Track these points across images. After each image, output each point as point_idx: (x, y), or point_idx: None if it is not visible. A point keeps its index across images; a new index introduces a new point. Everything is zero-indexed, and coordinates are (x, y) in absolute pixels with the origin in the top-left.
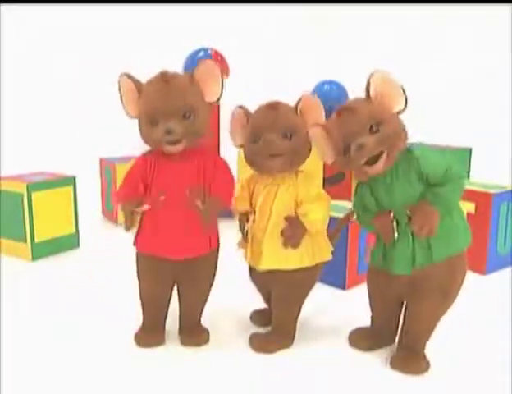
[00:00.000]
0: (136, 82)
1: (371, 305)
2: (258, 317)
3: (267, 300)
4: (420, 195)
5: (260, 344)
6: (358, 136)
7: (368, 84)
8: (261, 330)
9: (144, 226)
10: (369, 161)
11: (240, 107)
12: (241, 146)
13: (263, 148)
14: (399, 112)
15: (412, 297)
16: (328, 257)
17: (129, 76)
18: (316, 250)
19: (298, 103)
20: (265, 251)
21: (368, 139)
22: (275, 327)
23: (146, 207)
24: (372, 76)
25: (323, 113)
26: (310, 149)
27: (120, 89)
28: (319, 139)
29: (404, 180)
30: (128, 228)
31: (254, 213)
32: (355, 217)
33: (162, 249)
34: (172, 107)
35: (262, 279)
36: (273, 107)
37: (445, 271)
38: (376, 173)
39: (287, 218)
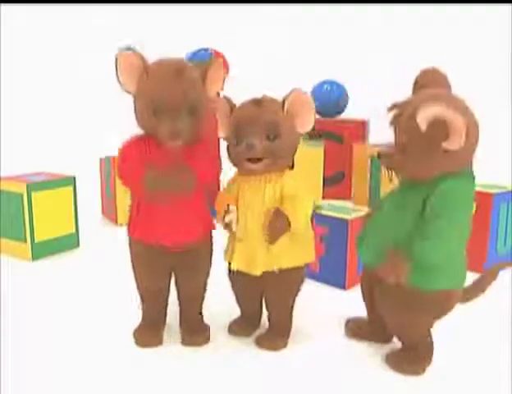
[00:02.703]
0: (144, 61)
1: (364, 302)
2: (237, 328)
3: (251, 305)
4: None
5: (269, 343)
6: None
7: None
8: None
9: (138, 214)
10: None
11: (224, 97)
12: (225, 139)
13: (245, 151)
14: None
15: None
16: (313, 257)
17: (134, 52)
18: (304, 249)
19: (285, 98)
20: (260, 254)
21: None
22: (274, 325)
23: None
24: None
25: (313, 112)
26: (295, 150)
27: (120, 64)
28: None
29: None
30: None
31: (237, 208)
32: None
33: (157, 236)
34: (183, 103)
35: (254, 282)
36: (257, 103)
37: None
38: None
39: (274, 211)
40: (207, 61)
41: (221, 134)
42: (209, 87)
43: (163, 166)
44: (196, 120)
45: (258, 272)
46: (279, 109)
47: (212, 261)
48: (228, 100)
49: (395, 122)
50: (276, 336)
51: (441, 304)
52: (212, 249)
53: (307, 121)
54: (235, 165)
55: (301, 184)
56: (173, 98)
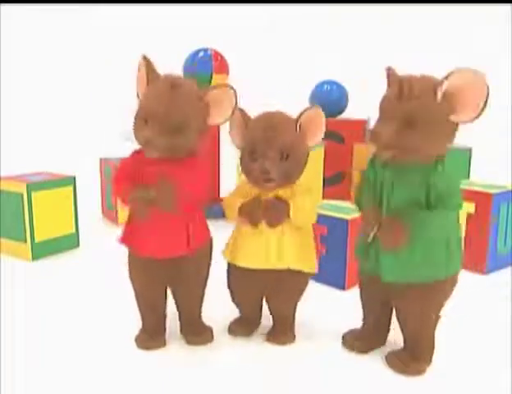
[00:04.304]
0: (150, 70)
1: (362, 307)
2: (237, 328)
3: (252, 306)
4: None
5: (284, 338)
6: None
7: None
8: (254, 335)
9: (130, 226)
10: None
11: (239, 110)
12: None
13: (259, 171)
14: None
15: (396, 300)
16: (315, 268)
17: (147, 63)
18: (310, 257)
19: (300, 116)
20: (273, 248)
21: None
22: (281, 324)
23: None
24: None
25: (324, 127)
26: (305, 166)
27: (139, 70)
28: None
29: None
30: (144, 214)
31: None
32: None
33: (148, 248)
34: (172, 121)
35: (258, 282)
36: (272, 128)
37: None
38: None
39: (276, 197)
40: (208, 83)
41: (235, 144)
42: (212, 111)
43: (151, 179)
44: (183, 138)
45: (269, 266)
46: (293, 128)
47: (212, 263)
48: (243, 113)
49: (400, 89)
50: (285, 331)
51: (453, 286)
52: (210, 260)
53: (317, 135)
54: (246, 175)
55: (311, 185)
56: (162, 111)
